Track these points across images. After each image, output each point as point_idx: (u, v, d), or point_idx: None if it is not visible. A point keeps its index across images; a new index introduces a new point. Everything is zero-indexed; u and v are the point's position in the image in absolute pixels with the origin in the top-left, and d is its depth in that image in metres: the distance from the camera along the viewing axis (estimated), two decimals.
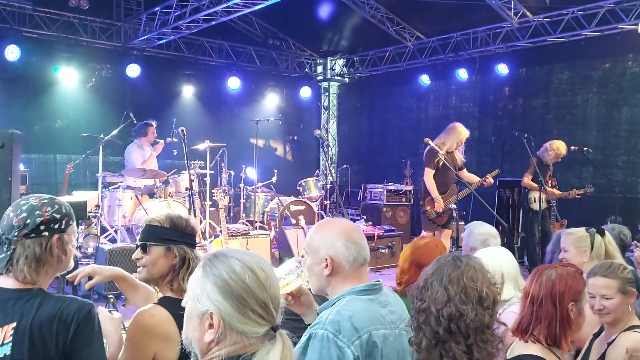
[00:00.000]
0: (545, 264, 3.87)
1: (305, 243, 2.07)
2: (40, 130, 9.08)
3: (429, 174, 6.31)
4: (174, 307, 1.96)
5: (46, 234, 1.86)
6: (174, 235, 2.15)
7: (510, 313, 2.48)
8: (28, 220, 1.85)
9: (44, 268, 1.87)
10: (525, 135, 6.52)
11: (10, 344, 1.77)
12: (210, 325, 1.36)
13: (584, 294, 2.21)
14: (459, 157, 6.48)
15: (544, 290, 2.13)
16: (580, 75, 8.78)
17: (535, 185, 7.18)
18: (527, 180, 7.33)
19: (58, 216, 1.90)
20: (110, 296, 4.69)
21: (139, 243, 2.20)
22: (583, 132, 8.56)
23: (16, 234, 1.84)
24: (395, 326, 1.93)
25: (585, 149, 7.08)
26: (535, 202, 7.27)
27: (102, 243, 6.57)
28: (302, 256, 2.16)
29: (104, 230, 7.12)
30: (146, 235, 2.19)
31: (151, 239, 2.16)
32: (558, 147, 7.14)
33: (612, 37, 8.09)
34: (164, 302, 2.06)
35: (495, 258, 2.81)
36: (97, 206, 6.68)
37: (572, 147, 7.19)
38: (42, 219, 1.86)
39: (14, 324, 1.78)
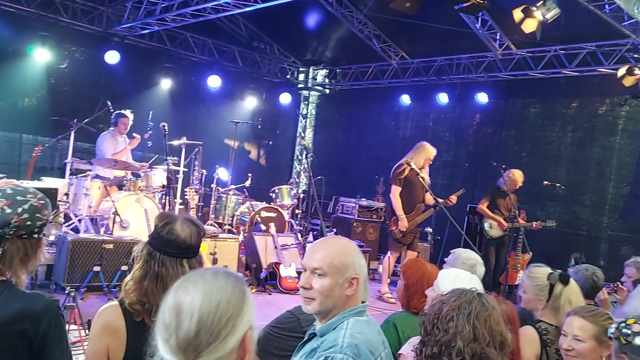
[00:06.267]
0: (518, 293, 3.92)
1: (320, 262, 1.91)
2: (6, 107, 8.71)
3: (395, 192, 6.38)
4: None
5: (36, 235, 1.83)
6: (152, 236, 2.08)
7: None
8: (29, 222, 1.78)
9: (28, 266, 1.85)
10: (504, 166, 6.64)
11: None
12: None
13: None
14: (426, 178, 6.55)
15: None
16: (555, 113, 9.03)
17: (487, 211, 7.35)
18: (481, 206, 7.47)
19: (48, 219, 1.87)
20: (70, 289, 4.52)
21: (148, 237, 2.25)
22: (554, 168, 8.77)
23: (12, 233, 1.76)
24: (385, 346, 1.93)
25: (558, 184, 7.25)
26: (490, 228, 7.42)
27: (64, 232, 6.33)
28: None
29: (67, 218, 6.87)
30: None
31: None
32: (513, 174, 7.30)
33: (590, 78, 8.35)
34: (122, 301, 2.06)
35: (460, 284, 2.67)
36: (66, 194, 6.43)
37: (545, 182, 7.36)
38: (41, 222, 1.82)
39: None
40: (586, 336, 2.40)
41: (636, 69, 6.96)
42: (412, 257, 6.54)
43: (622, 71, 7.06)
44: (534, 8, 6.11)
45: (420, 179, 6.02)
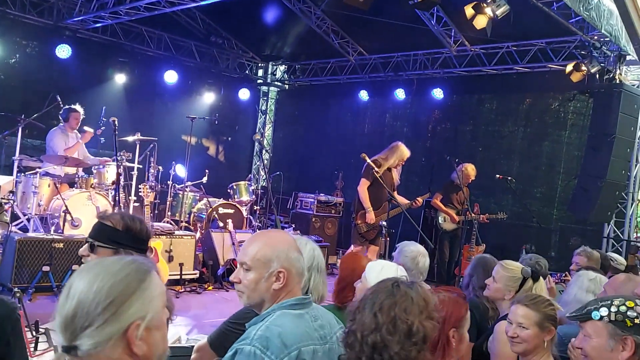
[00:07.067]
0: (462, 286, 4.02)
1: (246, 256, 1.93)
2: None
3: (363, 185, 6.37)
4: None
5: None
6: (125, 240, 2.07)
7: None
8: None
9: None
10: (457, 160, 6.75)
11: None
12: None
13: (466, 320, 2.19)
14: (396, 177, 6.59)
15: None
16: (508, 108, 9.24)
17: (441, 205, 7.50)
18: (435, 200, 7.62)
19: None
20: (17, 290, 4.38)
21: (88, 239, 2.13)
22: (506, 162, 8.99)
23: None
24: (324, 341, 1.91)
25: (509, 178, 7.43)
26: (444, 221, 7.57)
27: (12, 231, 6.11)
28: (227, 267, 2.12)
29: (15, 217, 6.64)
30: (96, 234, 2.11)
31: (101, 239, 2.07)
32: (466, 168, 7.45)
33: (540, 74, 8.59)
34: None
35: (385, 275, 2.62)
36: (12, 192, 6.22)
37: (497, 176, 7.53)
38: None
39: None
40: (529, 323, 2.49)
41: (583, 65, 7.18)
42: (374, 252, 6.57)
43: (569, 67, 7.27)
44: (484, 4, 6.22)
45: (381, 179, 6.02)
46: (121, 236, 2.07)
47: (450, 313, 2.11)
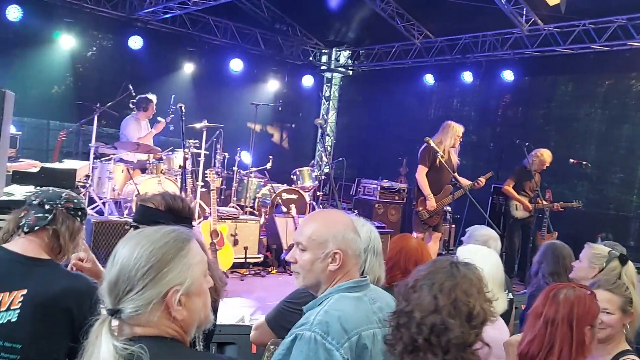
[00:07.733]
0: (531, 274, 3.87)
1: (302, 236, 1.89)
2: (36, 95, 8.90)
3: (421, 172, 6.23)
4: None
5: (78, 218, 2.09)
6: (169, 219, 2.02)
7: (493, 330, 1.97)
8: (76, 200, 2.10)
9: (72, 244, 2.05)
10: (527, 144, 6.45)
11: (18, 310, 1.77)
12: None
13: (598, 319, 2.13)
14: (455, 158, 6.40)
15: (562, 312, 2.02)
16: (584, 89, 8.73)
17: (513, 192, 7.17)
18: (506, 187, 7.29)
19: (86, 210, 2.17)
20: None
21: (132, 223, 2.17)
22: (582, 146, 8.51)
23: (62, 202, 2.02)
24: (383, 324, 1.84)
25: (584, 163, 7.02)
26: (516, 209, 7.25)
27: (88, 214, 6.46)
28: (288, 249, 2.09)
29: (91, 201, 7.02)
30: (140, 216, 2.15)
31: (145, 222, 2.07)
32: (542, 153, 7.08)
33: (620, 53, 8.03)
34: None
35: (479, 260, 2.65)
36: (87, 176, 6.58)
37: (571, 160, 7.13)
38: (83, 205, 2.14)
39: (24, 291, 1.79)
40: (614, 308, 2.45)
41: None
42: (437, 239, 6.44)
43: None
44: None
45: (445, 163, 5.86)
46: (164, 216, 2.07)
47: (587, 310, 2.04)
